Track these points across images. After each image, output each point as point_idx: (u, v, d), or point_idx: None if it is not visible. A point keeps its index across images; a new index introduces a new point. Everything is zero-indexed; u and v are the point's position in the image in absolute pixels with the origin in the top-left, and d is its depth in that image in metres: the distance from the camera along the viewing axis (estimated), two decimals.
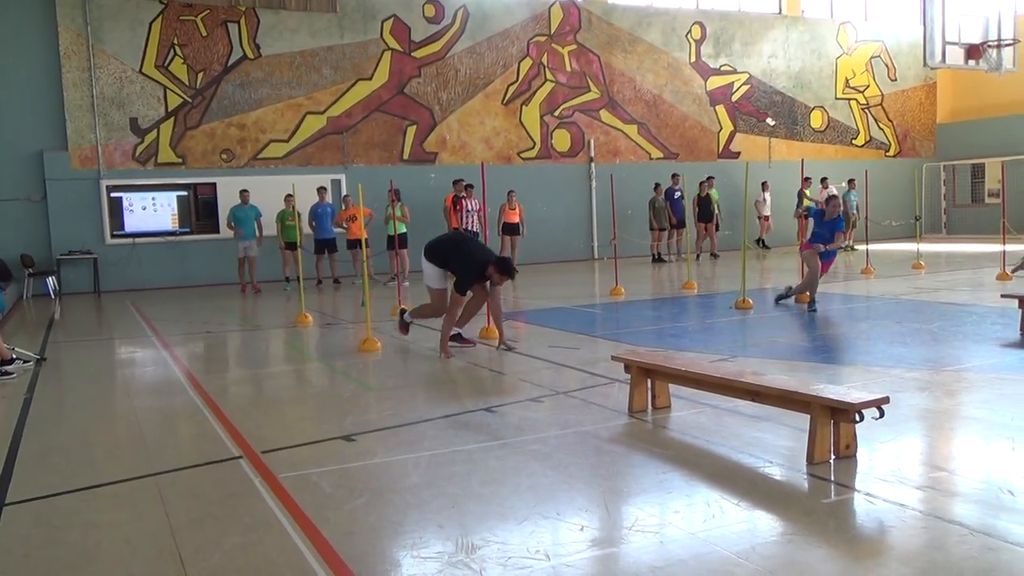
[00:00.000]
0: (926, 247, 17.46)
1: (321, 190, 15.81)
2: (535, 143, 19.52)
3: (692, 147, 21.34)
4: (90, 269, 15.81)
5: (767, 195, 20.45)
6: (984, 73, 20.50)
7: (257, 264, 15.04)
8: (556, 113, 19.73)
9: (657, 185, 18.57)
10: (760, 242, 20.76)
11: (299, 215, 12.99)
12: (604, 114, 20.25)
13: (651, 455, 4.46)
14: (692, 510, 3.62)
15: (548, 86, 19.63)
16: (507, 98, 19.19)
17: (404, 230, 14.78)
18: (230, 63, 16.84)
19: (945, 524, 3.37)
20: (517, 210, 17.03)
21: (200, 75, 16.65)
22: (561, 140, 19.81)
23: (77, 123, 15.82)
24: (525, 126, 19.41)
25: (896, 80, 24.14)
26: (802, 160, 13.22)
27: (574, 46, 19.92)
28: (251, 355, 9.03)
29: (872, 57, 23.75)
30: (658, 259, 18.41)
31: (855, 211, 19.70)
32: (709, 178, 19.17)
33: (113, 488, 4.27)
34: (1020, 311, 7.68)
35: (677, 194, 18.37)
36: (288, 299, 13.54)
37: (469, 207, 15.72)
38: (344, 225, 15.50)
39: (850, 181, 19.81)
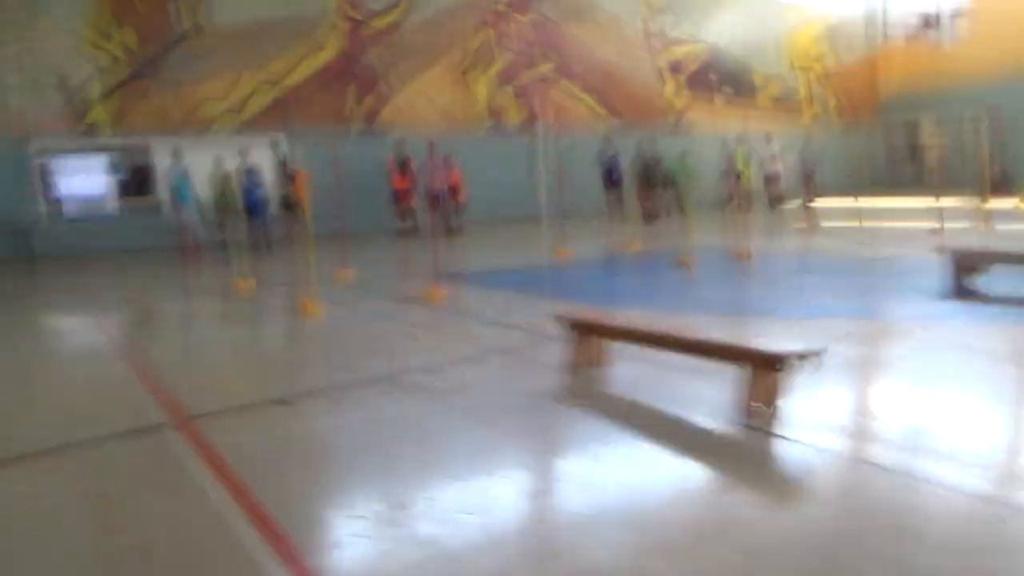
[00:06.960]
0: (866, 203, 17.81)
1: (245, 152, 15.15)
2: (490, 113, 19.27)
3: (646, 116, 21.32)
4: (21, 237, 15.22)
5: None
6: (930, 45, 20.84)
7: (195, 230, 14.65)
8: (512, 83, 19.47)
9: (640, 147, 18.01)
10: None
11: (233, 180, 12.68)
12: (560, 83, 20.06)
13: (588, 410, 4.48)
14: (627, 462, 3.66)
15: (504, 56, 19.35)
16: (462, 68, 18.85)
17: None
18: (175, 30, 16.19)
19: (869, 466, 3.47)
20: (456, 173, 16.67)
21: (141, 41, 15.94)
22: (515, 110, 19.59)
23: (3, 85, 15.10)
24: (480, 96, 19.12)
25: (843, 52, 24.44)
26: (742, 123, 13.29)
27: (531, 16, 19.62)
28: (184, 321, 8.82)
29: (821, 30, 23.98)
30: (651, 216, 17.80)
31: (813, 166, 19.88)
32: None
33: (35, 460, 4.13)
34: (948, 263, 7.88)
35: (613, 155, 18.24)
36: (224, 264, 13.24)
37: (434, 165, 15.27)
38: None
39: (806, 140, 19.92)
